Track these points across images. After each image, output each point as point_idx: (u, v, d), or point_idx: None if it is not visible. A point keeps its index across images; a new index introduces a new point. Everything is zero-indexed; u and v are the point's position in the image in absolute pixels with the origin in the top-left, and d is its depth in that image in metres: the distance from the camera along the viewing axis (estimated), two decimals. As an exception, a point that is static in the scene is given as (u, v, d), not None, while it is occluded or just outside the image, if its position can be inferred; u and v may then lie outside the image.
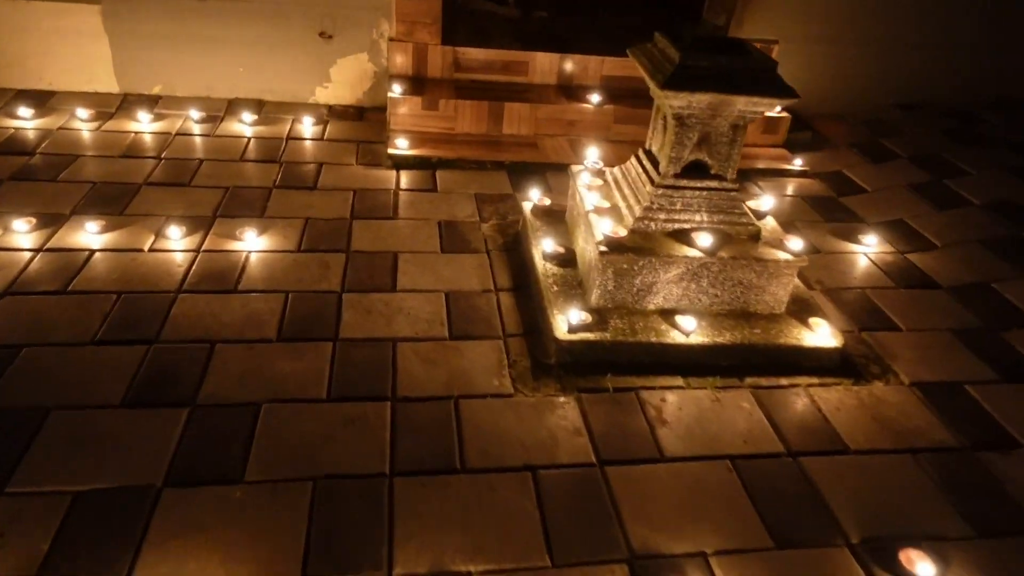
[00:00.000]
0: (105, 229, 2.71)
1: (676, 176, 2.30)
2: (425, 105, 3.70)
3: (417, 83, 3.86)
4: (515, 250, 2.85)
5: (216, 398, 2.00)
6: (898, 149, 3.93)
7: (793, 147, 3.96)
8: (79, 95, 3.81)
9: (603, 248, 2.24)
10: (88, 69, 3.81)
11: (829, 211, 3.40)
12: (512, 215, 3.11)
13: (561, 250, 2.58)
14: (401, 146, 3.52)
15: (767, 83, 2.11)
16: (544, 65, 3.99)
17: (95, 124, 3.58)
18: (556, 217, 2.83)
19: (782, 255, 2.31)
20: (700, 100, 2.12)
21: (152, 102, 3.84)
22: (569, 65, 3.99)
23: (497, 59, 3.93)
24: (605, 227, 2.30)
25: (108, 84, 3.86)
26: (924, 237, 3.15)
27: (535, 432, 1.97)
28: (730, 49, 2.20)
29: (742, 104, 2.13)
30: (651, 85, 2.18)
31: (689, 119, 2.19)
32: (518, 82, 3.99)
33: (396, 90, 3.69)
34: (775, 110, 3.79)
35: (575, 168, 2.73)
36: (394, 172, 3.43)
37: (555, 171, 3.49)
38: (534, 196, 2.93)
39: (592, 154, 2.89)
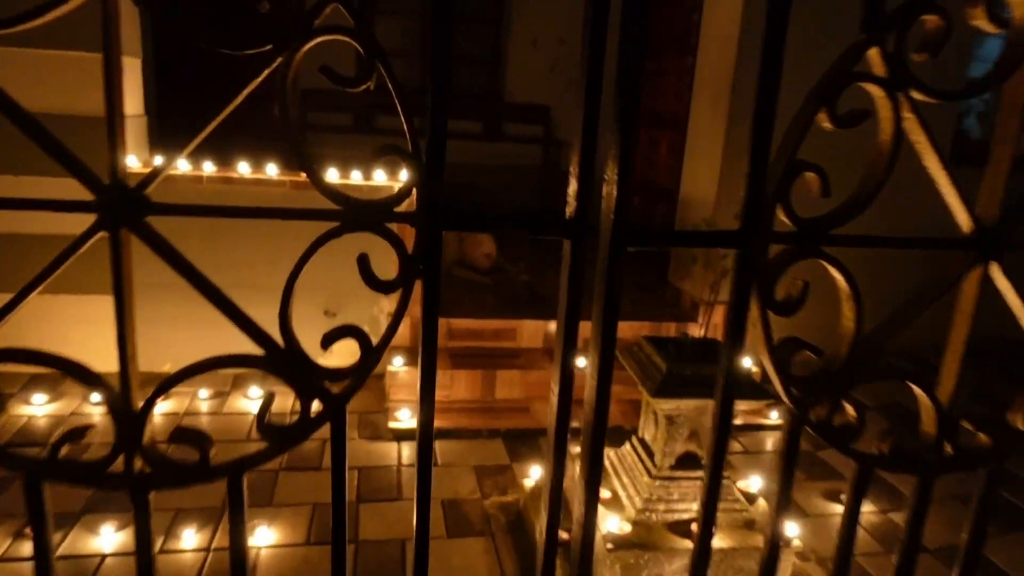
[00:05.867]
0: (119, 528, 2.77)
1: (671, 468, 2.50)
2: (423, 375, 3.96)
3: (414, 353, 4.15)
4: (520, 530, 2.94)
5: None
6: (865, 399, 4.24)
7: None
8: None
9: (610, 545, 2.36)
10: (105, 351, 4.04)
11: (809, 467, 3.60)
12: (512, 489, 3.24)
13: (565, 536, 2.69)
14: (402, 418, 3.72)
15: (747, 388, 2.40)
16: (531, 330, 4.36)
17: (105, 408, 3.73)
18: (557, 497, 2.96)
19: (778, 542, 2.45)
20: (687, 404, 2.38)
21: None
22: (553, 327, 4.36)
23: (487, 327, 4.28)
24: (611, 524, 2.45)
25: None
26: (901, 493, 3.33)
27: None
28: (708, 352, 2.51)
29: (724, 406, 2.39)
30: (642, 390, 2.45)
31: (678, 418, 2.44)
32: (508, 347, 4.31)
33: (397, 363, 3.97)
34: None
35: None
36: (395, 445, 3.59)
37: (548, 437, 3.68)
38: (534, 474, 3.09)
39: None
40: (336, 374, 0.82)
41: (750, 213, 0.78)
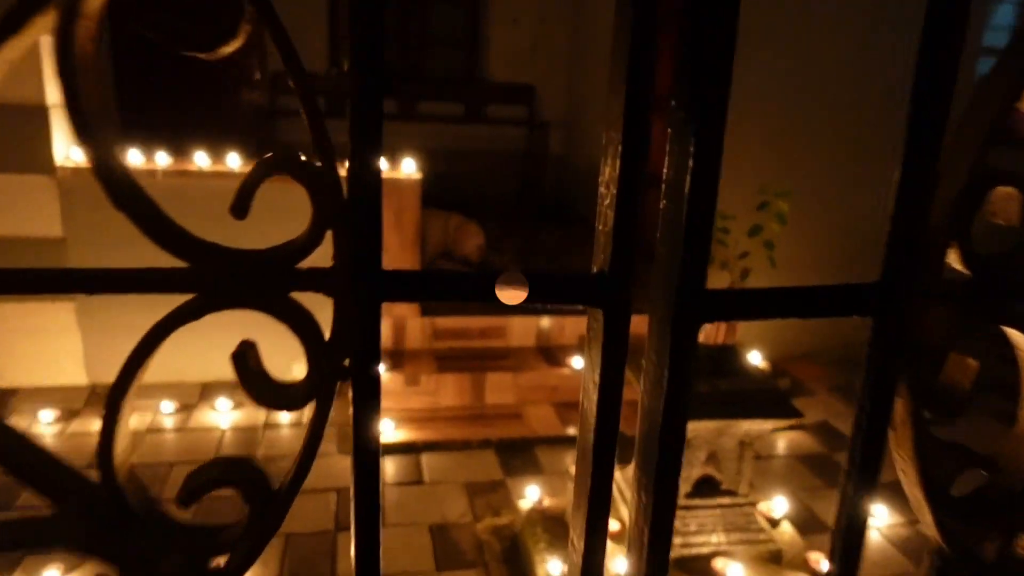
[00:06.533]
0: (66, 572, 2.44)
1: (688, 496, 2.19)
2: (407, 381, 3.64)
3: (396, 356, 3.82)
4: (515, 560, 2.64)
5: None
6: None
7: (776, 396, 3.95)
8: (44, 391, 3.66)
9: (621, 589, 2.06)
10: (55, 363, 3.69)
11: (827, 473, 3.31)
12: (506, 510, 2.93)
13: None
14: (384, 430, 3.40)
15: (770, 405, 2.09)
16: (521, 328, 4.03)
17: (60, 427, 3.39)
18: (557, 523, 2.66)
19: (810, 578, 2.16)
20: (705, 426, 2.07)
21: (120, 393, 3.70)
22: (546, 324, 4.04)
23: (474, 326, 3.96)
24: (620, 564, 2.14)
25: (76, 377, 3.73)
26: (931, 502, 3.05)
27: None
28: (725, 364, 2.20)
29: (747, 426, 2.09)
30: (653, 410, 2.14)
31: (695, 440, 2.13)
32: (497, 347, 3.99)
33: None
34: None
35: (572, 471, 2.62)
36: (377, 460, 3.27)
37: (544, 446, 3.38)
38: (531, 494, 2.78)
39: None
40: (210, 538, 0.49)
41: (898, 258, 0.45)
